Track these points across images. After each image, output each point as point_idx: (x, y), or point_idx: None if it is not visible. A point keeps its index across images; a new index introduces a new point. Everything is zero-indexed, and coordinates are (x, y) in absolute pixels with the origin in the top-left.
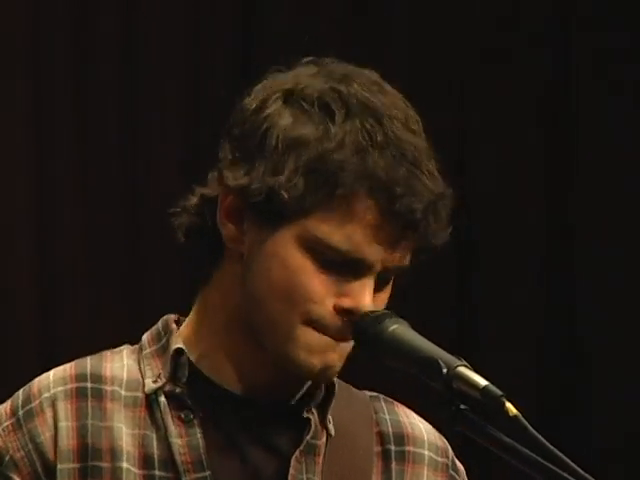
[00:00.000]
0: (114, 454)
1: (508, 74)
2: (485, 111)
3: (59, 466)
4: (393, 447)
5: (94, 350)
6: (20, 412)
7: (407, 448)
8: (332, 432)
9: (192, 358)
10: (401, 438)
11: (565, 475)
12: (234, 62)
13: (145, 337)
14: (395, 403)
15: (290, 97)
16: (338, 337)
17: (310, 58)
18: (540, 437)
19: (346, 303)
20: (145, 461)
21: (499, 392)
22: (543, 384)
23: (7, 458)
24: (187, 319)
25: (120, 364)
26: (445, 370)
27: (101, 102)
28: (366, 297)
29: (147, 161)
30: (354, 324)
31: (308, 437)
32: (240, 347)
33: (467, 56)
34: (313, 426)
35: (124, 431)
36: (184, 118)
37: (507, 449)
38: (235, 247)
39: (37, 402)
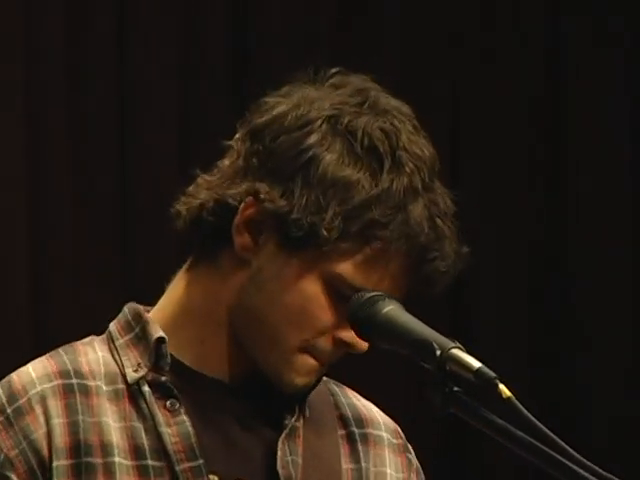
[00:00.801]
0: (105, 449)
1: (503, 74)
2: (479, 111)
3: (55, 463)
4: (356, 429)
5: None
6: (8, 410)
7: (367, 430)
8: (307, 414)
9: (170, 346)
10: (360, 421)
11: (558, 457)
12: (233, 62)
13: (113, 327)
14: (343, 386)
15: (336, 128)
16: (327, 363)
17: (338, 69)
18: (533, 419)
19: (347, 337)
20: (136, 452)
21: (493, 374)
22: (542, 383)
23: (2, 457)
24: (160, 306)
25: (95, 357)
26: (439, 352)
27: (96, 101)
28: None
29: (142, 160)
30: (348, 306)
31: (293, 420)
32: (223, 339)
33: (463, 56)
34: (297, 409)
35: (112, 425)
36: (181, 117)
37: (500, 431)
38: (244, 255)
39: (25, 399)
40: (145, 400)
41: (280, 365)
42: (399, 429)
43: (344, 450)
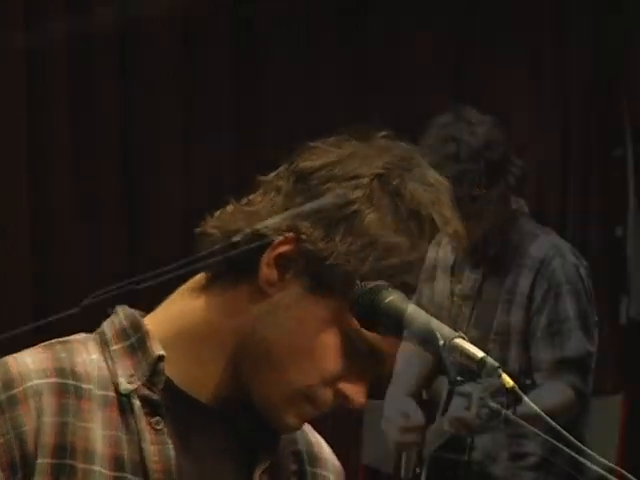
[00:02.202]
0: (87, 455)
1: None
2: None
3: (38, 460)
4: (308, 468)
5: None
6: (2, 396)
7: (317, 470)
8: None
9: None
10: (313, 459)
11: (561, 445)
12: (233, 58)
13: (108, 330)
14: None
15: (385, 188)
16: (324, 410)
17: (386, 133)
18: (537, 408)
19: (348, 391)
20: (116, 463)
21: (496, 364)
22: None
23: None
24: (158, 319)
25: (89, 359)
26: (442, 342)
27: (96, 93)
28: (366, 387)
29: (144, 150)
30: (350, 296)
31: (270, 454)
32: (222, 365)
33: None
34: (280, 442)
35: (98, 432)
36: (181, 115)
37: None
38: (267, 289)
39: (20, 389)
40: (134, 413)
41: (279, 405)
42: (342, 469)
43: None
